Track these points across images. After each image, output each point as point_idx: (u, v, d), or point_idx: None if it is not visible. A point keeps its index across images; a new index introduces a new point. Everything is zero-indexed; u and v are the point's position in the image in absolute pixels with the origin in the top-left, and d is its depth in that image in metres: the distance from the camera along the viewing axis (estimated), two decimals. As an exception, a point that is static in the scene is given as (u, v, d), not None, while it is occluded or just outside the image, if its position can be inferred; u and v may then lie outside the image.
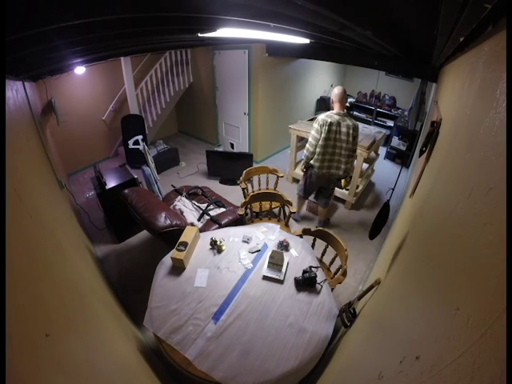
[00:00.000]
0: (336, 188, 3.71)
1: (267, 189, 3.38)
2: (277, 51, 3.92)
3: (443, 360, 0.49)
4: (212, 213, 2.86)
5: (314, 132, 2.62)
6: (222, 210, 2.94)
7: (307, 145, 2.71)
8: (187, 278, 1.78)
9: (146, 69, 4.83)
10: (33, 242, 0.96)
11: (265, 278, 1.80)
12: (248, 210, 2.79)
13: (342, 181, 3.81)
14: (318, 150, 2.65)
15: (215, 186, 4.10)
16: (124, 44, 2.05)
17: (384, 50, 1.96)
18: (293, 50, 3.63)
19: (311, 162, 2.77)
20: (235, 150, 5.17)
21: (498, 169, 0.52)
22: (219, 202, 3.03)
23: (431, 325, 0.63)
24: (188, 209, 2.93)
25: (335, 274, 2.16)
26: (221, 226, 2.54)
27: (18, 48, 1.13)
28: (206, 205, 2.95)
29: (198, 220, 2.78)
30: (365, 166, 3.88)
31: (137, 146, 3.34)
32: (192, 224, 2.65)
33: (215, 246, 1.99)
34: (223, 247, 1.99)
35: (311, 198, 3.51)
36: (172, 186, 3.45)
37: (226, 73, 4.66)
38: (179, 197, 3.11)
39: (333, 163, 2.72)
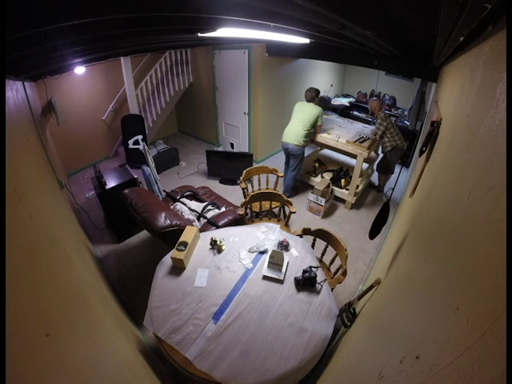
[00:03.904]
0: (336, 188, 3.77)
1: (267, 189, 3.38)
2: (277, 51, 3.92)
3: (443, 360, 0.49)
4: (211, 213, 2.86)
5: (383, 128, 3.44)
6: (221, 209, 2.94)
7: (380, 132, 3.49)
8: (187, 278, 1.78)
9: (146, 69, 4.82)
10: (33, 242, 0.96)
11: (265, 277, 1.80)
12: (248, 210, 2.79)
13: (342, 180, 3.82)
14: (388, 134, 3.50)
15: (215, 186, 4.10)
16: (124, 44, 2.05)
17: (384, 50, 1.96)
18: (293, 50, 3.63)
19: (394, 143, 3.54)
20: (235, 150, 5.17)
21: (498, 169, 0.52)
22: (215, 203, 3.03)
23: (431, 325, 0.63)
24: (186, 209, 2.93)
25: (335, 273, 2.16)
26: (219, 228, 2.53)
27: (18, 48, 1.13)
28: (202, 206, 2.93)
29: (198, 220, 2.78)
30: (365, 165, 3.88)
31: (137, 146, 3.34)
32: (192, 224, 2.65)
33: (215, 246, 1.99)
34: (223, 247, 1.99)
35: (312, 198, 3.52)
36: (164, 191, 3.37)
37: (225, 73, 4.66)
38: (174, 203, 3.00)
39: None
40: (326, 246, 2.24)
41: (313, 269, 1.77)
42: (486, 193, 0.55)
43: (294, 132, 3.50)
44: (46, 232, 1.21)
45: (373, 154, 3.94)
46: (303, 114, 3.48)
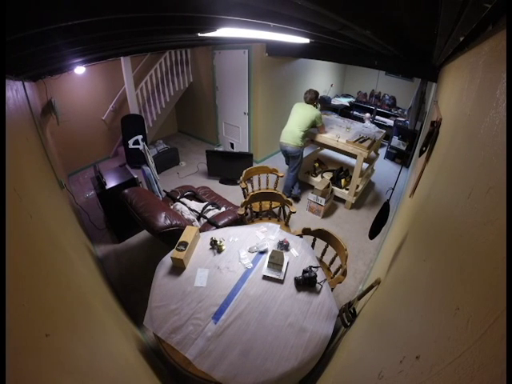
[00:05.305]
0: (336, 188, 3.79)
1: (267, 188, 3.38)
2: (277, 51, 3.92)
3: (443, 360, 0.49)
4: (211, 213, 2.86)
5: None
6: (221, 209, 2.94)
7: None
8: (187, 278, 1.78)
9: (145, 69, 4.82)
10: (33, 242, 0.96)
11: (265, 277, 1.80)
12: (248, 210, 2.79)
13: (342, 180, 3.82)
14: None
15: (215, 186, 4.10)
16: (124, 44, 2.05)
17: (384, 50, 1.96)
18: (293, 50, 3.62)
19: None
20: (235, 150, 5.17)
21: (498, 169, 0.52)
22: (215, 203, 3.03)
23: (431, 325, 0.63)
24: (186, 209, 2.93)
25: (335, 273, 2.16)
26: (219, 228, 2.53)
27: (18, 48, 1.13)
28: (202, 206, 2.93)
29: (198, 220, 2.78)
30: (365, 165, 3.88)
31: (137, 146, 3.34)
32: (192, 224, 2.65)
33: (215, 246, 1.99)
34: (223, 247, 1.99)
35: (312, 198, 3.53)
36: (164, 191, 3.37)
37: (225, 73, 4.66)
38: (174, 203, 2.99)
39: None
40: (326, 246, 2.24)
41: (313, 269, 1.77)
42: (486, 193, 0.55)
43: (289, 132, 3.51)
44: (46, 232, 1.21)
45: (373, 153, 3.94)
46: (299, 115, 3.48)
